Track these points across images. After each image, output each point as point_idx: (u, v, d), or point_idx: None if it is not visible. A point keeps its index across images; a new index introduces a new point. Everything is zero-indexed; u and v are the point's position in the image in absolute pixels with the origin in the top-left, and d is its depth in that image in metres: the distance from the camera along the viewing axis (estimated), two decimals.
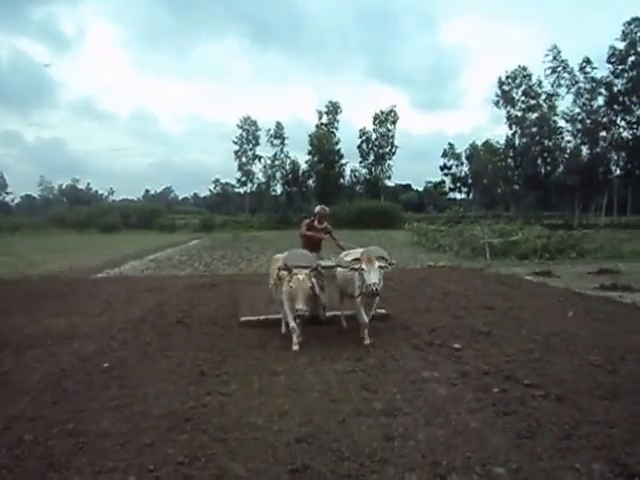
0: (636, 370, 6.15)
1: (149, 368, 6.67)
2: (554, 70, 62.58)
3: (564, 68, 61.93)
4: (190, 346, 7.74)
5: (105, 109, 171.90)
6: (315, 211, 9.58)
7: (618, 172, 63.17)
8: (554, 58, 62.29)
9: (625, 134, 60.95)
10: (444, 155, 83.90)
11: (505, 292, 12.49)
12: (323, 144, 72.66)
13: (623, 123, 60.83)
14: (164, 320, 9.72)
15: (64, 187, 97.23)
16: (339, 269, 8.53)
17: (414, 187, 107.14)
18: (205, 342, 7.99)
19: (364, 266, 7.34)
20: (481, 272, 17.35)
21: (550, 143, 64.37)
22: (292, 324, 7.57)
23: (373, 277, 7.19)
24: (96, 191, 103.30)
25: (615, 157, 62.44)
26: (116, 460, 4.06)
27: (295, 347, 7.37)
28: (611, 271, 16.10)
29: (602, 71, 61.49)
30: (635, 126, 59.87)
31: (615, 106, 59.74)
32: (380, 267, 7.45)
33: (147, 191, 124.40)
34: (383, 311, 9.43)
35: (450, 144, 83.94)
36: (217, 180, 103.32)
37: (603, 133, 61.23)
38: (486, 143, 73.90)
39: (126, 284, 15.39)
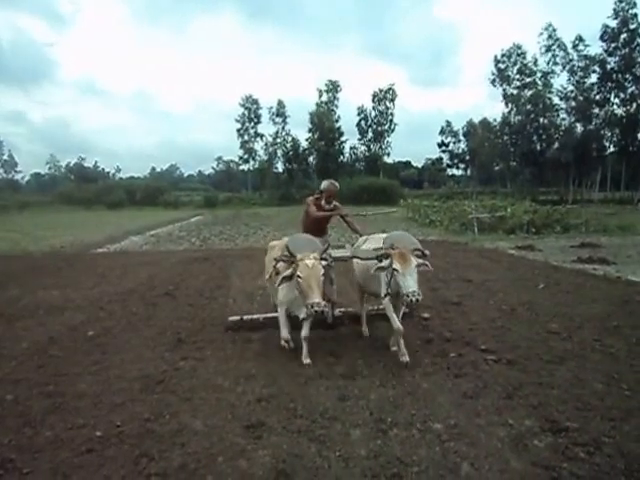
0: (589, 337, 6.49)
1: (131, 336, 7.01)
2: (549, 48, 62.33)
3: (559, 46, 61.66)
4: (173, 316, 8.10)
5: (107, 87, 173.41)
6: (322, 187, 7.49)
7: (612, 149, 63.11)
8: (549, 36, 61.97)
9: (618, 111, 60.65)
10: (442, 132, 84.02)
11: (484, 265, 12.80)
12: (323, 122, 72.66)
13: (616, 100, 60.51)
14: (153, 292, 10.08)
15: (71, 165, 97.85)
16: (357, 261, 6.58)
17: (414, 164, 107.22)
18: (188, 312, 8.36)
19: (397, 265, 5.40)
20: (465, 246, 17.67)
21: (545, 120, 64.16)
22: (285, 334, 6.06)
23: (411, 283, 5.25)
24: (103, 169, 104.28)
25: (609, 134, 62.25)
26: (87, 418, 4.40)
27: (307, 360, 5.71)
28: (592, 245, 16.47)
29: (595, 49, 61.47)
30: (628, 103, 59.53)
31: (608, 83, 59.42)
32: (418, 265, 5.50)
33: (153, 169, 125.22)
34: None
35: (448, 121, 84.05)
36: (220, 158, 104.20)
37: (597, 110, 61.03)
38: (483, 121, 74.27)
39: (122, 259, 15.83)
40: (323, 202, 7.43)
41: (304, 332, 5.79)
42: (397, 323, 5.74)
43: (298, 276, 5.39)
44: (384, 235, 6.27)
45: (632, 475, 3.34)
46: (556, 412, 4.33)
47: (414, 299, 5.15)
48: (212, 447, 3.81)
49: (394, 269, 5.42)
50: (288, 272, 5.55)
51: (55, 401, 4.78)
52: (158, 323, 7.68)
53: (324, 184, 7.51)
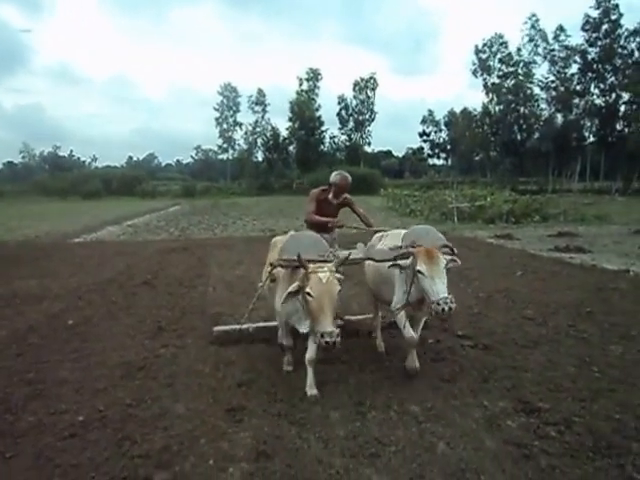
0: (563, 322, 6.65)
1: (111, 325, 7.02)
2: (532, 38, 62.92)
3: (541, 36, 62.22)
4: (153, 304, 8.12)
5: (82, 74, 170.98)
6: (331, 180, 6.39)
7: (591, 139, 64.04)
8: (532, 26, 62.51)
9: (598, 101, 61.39)
10: (423, 122, 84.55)
11: (462, 254, 12.70)
12: (304, 111, 72.37)
13: (596, 91, 61.30)
14: (132, 281, 10.05)
15: (46, 154, 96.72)
16: (368, 262, 5.38)
17: (395, 153, 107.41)
18: (167, 300, 8.38)
19: (423, 267, 4.35)
20: (444, 235, 17.58)
21: (525, 110, 65.04)
22: (289, 356, 5.16)
23: (441, 287, 4.29)
24: (78, 158, 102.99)
25: (588, 124, 63.10)
26: (69, 403, 4.43)
27: (313, 391, 4.54)
28: (570, 234, 16.79)
29: (576, 39, 62.05)
30: (608, 94, 60.28)
31: (589, 74, 60.12)
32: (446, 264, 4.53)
33: (130, 158, 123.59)
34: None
35: (430, 110, 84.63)
36: (199, 147, 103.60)
37: (577, 100, 61.75)
38: (464, 110, 74.52)
39: (100, 248, 15.73)
40: (331, 196, 6.39)
41: (308, 354, 4.63)
42: (409, 332, 4.81)
43: (308, 293, 4.05)
44: (403, 231, 5.24)
45: (599, 451, 3.47)
46: (529, 394, 4.45)
47: (446, 307, 4.13)
48: (194, 430, 3.88)
49: (418, 271, 4.36)
50: (294, 286, 4.23)
51: (36, 388, 4.80)
52: (138, 312, 7.69)
53: (334, 176, 6.40)
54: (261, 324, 6.26)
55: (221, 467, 3.36)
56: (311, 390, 4.54)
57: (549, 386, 4.61)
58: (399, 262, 4.61)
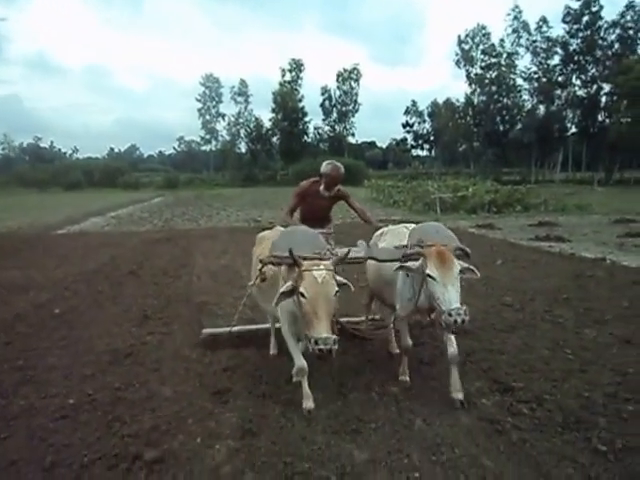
0: (540, 308, 6.87)
1: (97, 313, 7.13)
2: (515, 30, 63.19)
3: (523, 28, 62.52)
4: (139, 294, 8.22)
5: (60, 64, 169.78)
6: (322, 170, 5.76)
7: (573, 130, 64.71)
8: (515, 17, 62.79)
9: (580, 92, 61.98)
10: (407, 112, 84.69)
11: None
12: (287, 102, 72.33)
13: (578, 82, 61.86)
14: (117, 272, 10.14)
15: (26, 146, 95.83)
16: (371, 262, 4.76)
17: (379, 144, 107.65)
18: (153, 290, 8.50)
19: (434, 271, 3.82)
20: None
21: (508, 101, 65.44)
22: (301, 362, 4.12)
23: (454, 296, 3.79)
24: (59, 149, 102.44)
25: (570, 115, 63.60)
26: (59, 388, 4.55)
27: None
28: (550, 223, 17.16)
29: (558, 30, 62.52)
30: (589, 85, 60.89)
31: (570, 65, 60.56)
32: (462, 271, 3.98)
33: (112, 149, 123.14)
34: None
35: (413, 101, 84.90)
36: (181, 138, 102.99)
37: (559, 91, 62.35)
38: (447, 101, 74.69)
39: (84, 240, 15.76)
40: (322, 188, 5.78)
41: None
42: (407, 341, 4.51)
43: (301, 294, 3.57)
44: (409, 227, 4.73)
45: (568, 426, 3.67)
46: (504, 375, 4.65)
47: (459, 320, 3.65)
48: (182, 411, 4.02)
49: (428, 275, 3.84)
50: (288, 286, 3.74)
51: (26, 374, 4.91)
52: (124, 301, 7.79)
53: (325, 166, 5.77)
54: (253, 326, 5.85)
55: (208, 444, 3.50)
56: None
57: (523, 367, 4.80)
58: (407, 264, 4.05)
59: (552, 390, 4.27)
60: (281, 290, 3.75)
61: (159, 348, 5.63)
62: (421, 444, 3.47)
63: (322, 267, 3.66)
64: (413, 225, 4.78)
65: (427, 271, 3.84)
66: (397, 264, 4.11)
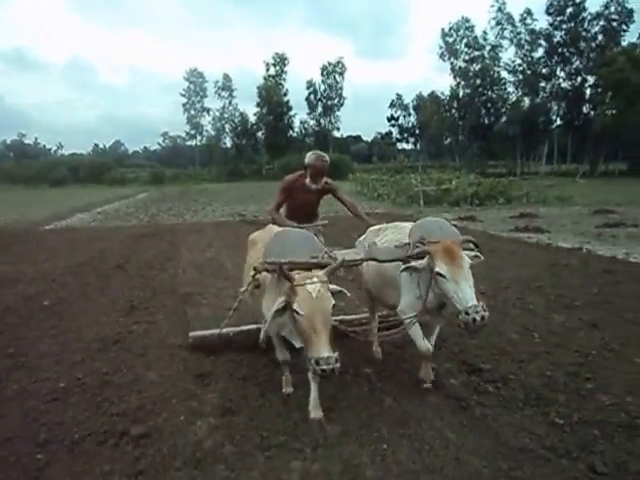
0: (512, 296, 7.17)
1: (86, 304, 7.34)
2: (498, 22, 63.31)
3: (507, 20, 62.72)
4: (125, 286, 8.43)
5: (40, 60, 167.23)
6: (306, 162, 5.43)
7: (558, 122, 65.07)
8: (499, 9, 62.96)
9: (564, 85, 62.36)
10: (392, 106, 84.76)
11: None
12: (272, 96, 72.19)
13: (562, 74, 62.18)
14: (104, 265, 10.34)
15: (9, 142, 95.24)
16: (369, 262, 4.37)
17: (364, 138, 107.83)
18: (139, 282, 8.70)
19: (443, 267, 3.58)
20: (410, 218, 18.06)
21: (493, 94, 65.85)
22: (283, 355, 4.23)
23: (469, 293, 3.56)
24: (44, 146, 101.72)
25: (555, 107, 63.91)
26: (50, 372, 4.77)
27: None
28: (530, 215, 17.51)
29: (543, 22, 62.62)
30: (573, 77, 61.31)
31: (554, 57, 60.83)
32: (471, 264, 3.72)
33: (96, 145, 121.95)
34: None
35: (398, 94, 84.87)
36: (166, 133, 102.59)
37: (543, 84, 62.65)
38: (432, 94, 74.69)
39: (71, 235, 15.94)
40: (308, 181, 5.41)
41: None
42: (424, 344, 4.11)
43: (295, 311, 3.25)
44: (407, 224, 4.48)
45: (529, 402, 3.94)
46: (473, 357, 4.92)
47: (478, 317, 3.39)
48: (166, 392, 4.26)
49: (438, 274, 3.59)
50: (280, 302, 3.37)
51: (18, 360, 5.12)
52: (111, 292, 7.99)
53: (309, 157, 5.44)
54: (244, 327, 5.37)
55: (190, 421, 3.74)
56: (315, 411, 3.78)
57: (492, 350, 5.07)
58: (413, 264, 3.79)
59: (517, 371, 4.54)
60: (274, 308, 3.37)
61: (145, 336, 5.84)
62: (390, 419, 3.72)
63: (316, 279, 3.33)
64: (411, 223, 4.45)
65: (436, 269, 3.58)
66: (400, 264, 3.90)
